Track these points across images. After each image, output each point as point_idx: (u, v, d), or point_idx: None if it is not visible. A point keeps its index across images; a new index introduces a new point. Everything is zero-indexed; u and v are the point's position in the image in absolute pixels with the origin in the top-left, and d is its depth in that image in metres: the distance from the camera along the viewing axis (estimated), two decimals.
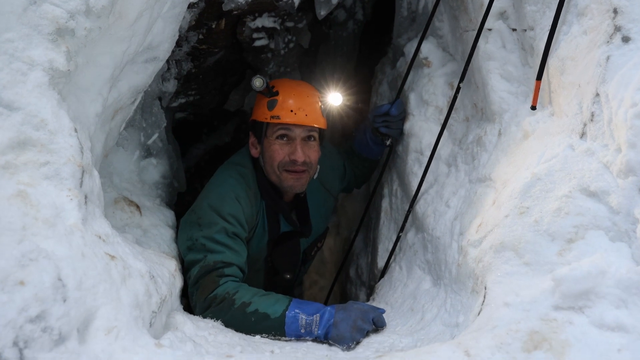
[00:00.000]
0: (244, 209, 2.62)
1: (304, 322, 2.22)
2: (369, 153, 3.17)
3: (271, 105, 2.68)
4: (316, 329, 2.21)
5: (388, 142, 3.07)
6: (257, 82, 2.64)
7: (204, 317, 2.32)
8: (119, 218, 2.42)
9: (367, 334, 2.22)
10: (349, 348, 2.14)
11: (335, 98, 2.87)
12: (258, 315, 2.25)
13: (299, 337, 2.25)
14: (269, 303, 2.28)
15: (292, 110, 2.66)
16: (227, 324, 2.29)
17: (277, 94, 2.69)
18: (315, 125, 2.71)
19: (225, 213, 2.53)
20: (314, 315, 2.22)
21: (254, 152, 2.79)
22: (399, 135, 3.02)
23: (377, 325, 2.25)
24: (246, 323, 2.26)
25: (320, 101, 2.76)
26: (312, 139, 2.74)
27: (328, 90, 2.86)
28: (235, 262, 2.46)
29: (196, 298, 2.38)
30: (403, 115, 2.98)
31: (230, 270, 2.42)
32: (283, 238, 2.89)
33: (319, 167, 2.85)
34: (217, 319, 2.30)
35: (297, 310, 2.24)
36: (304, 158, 2.69)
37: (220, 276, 2.39)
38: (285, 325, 2.22)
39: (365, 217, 3.55)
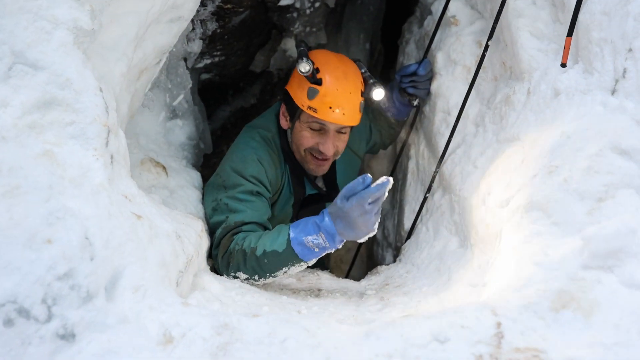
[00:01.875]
0: (267, 170, 2.60)
1: (312, 244, 2.19)
2: (395, 113, 3.12)
3: (311, 94, 2.58)
4: (327, 245, 2.19)
5: (415, 103, 3.02)
6: (303, 67, 2.52)
7: (229, 275, 2.34)
8: (146, 179, 2.43)
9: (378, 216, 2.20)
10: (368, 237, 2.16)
11: (378, 94, 2.77)
12: (268, 254, 2.24)
13: (319, 257, 2.24)
14: (272, 239, 2.26)
15: (330, 107, 2.57)
16: (251, 275, 2.30)
17: (320, 82, 2.57)
18: (352, 125, 2.67)
19: (247, 174, 2.52)
20: (319, 234, 2.18)
21: (284, 123, 2.75)
22: (426, 95, 2.97)
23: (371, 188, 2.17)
24: (264, 266, 2.26)
25: (362, 96, 2.68)
26: (344, 132, 2.70)
27: (372, 83, 2.76)
28: (256, 219, 2.45)
29: (218, 259, 2.39)
30: (430, 75, 2.92)
31: (247, 227, 2.42)
32: (309, 201, 2.88)
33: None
34: (240, 272, 2.31)
35: (301, 237, 2.20)
36: (333, 150, 2.66)
37: (236, 233, 2.39)
38: (299, 254, 2.21)
39: (392, 178, 3.51)
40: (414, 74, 2.88)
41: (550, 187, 1.74)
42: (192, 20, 2.91)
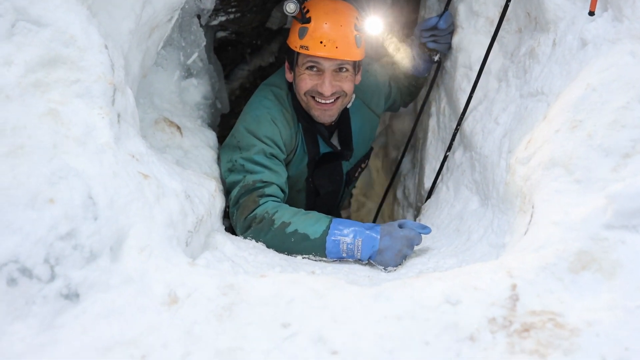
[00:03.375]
0: (281, 130, 2.58)
1: (345, 247, 2.20)
2: (415, 70, 3.04)
3: (302, 33, 2.52)
4: (358, 254, 2.20)
5: (436, 58, 2.93)
6: (290, 7, 2.45)
7: (245, 237, 2.33)
8: (160, 139, 2.41)
9: None
10: (390, 271, 2.14)
11: (373, 25, 2.64)
12: (297, 235, 2.24)
13: (340, 259, 2.24)
14: (309, 223, 2.27)
15: (321, 42, 2.47)
16: (268, 244, 2.29)
17: (309, 20, 2.50)
18: (347, 59, 2.53)
19: (261, 135, 2.50)
20: (356, 240, 2.19)
21: (289, 76, 2.70)
22: (447, 50, 2.87)
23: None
24: (286, 243, 2.26)
25: (357, 30, 2.56)
26: (345, 70, 2.57)
27: (366, 15, 2.65)
28: (275, 181, 2.45)
29: (236, 218, 2.38)
30: (452, 29, 2.82)
31: (270, 189, 2.41)
32: (324, 159, 2.85)
33: (354, 95, 2.74)
34: (258, 239, 2.30)
35: (338, 235, 2.22)
36: (332, 90, 2.56)
37: (261, 196, 2.38)
38: (326, 249, 2.22)
39: (413, 137, 3.46)
40: (435, 27, 2.79)
41: (573, 142, 1.67)
42: None
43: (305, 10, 2.53)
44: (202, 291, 1.38)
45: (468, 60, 2.69)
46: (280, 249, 2.28)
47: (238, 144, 2.51)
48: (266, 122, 2.55)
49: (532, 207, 1.69)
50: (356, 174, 3.13)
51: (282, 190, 2.49)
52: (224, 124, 3.45)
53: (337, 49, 2.48)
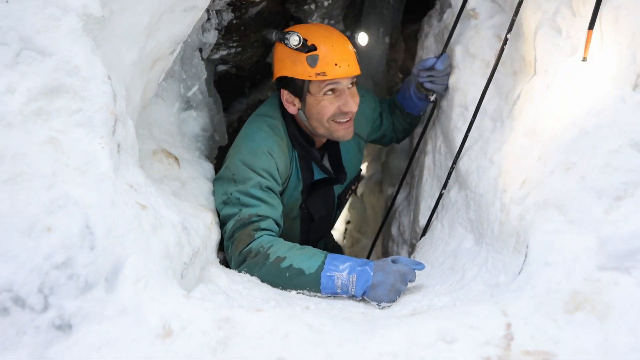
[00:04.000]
0: (277, 161, 2.58)
1: (339, 282, 2.19)
2: (411, 108, 3.08)
3: (312, 62, 2.53)
4: (353, 289, 2.19)
5: (432, 98, 2.97)
6: (294, 41, 2.52)
7: (239, 271, 2.32)
8: (157, 170, 2.41)
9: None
10: (384, 307, 2.13)
11: (362, 38, 2.85)
12: (292, 270, 2.23)
13: (335, 295, 2.23)
14: (304, 258, 2.26)
15: (336, 64, 2.53)
16: (262, 279, 2.28)
17: (315, 48, 2.54)
18: (357, 73, 2.62)
19: (258, 168, 2.51)
20: (351, 276, 2.18)
21: (292, 109, 2.70)
22: (444, 91, 2.92)
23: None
24: (281, 278, 2.25)
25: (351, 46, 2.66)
26: (353, 84, 2.65)
27: (351, 32, 2.77)
28: (270, 215, 2.45)
29: (231, 252, 2.37)
30: (448, 71, 2.87)
31: (265, 223, 2.41)
32: (317, 185, 2.87)
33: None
34: (252, 273, 2.29)
35: (333, 270, 2.21)
36: (356, 105, 2.64)
37: (256, 230, 2.37)
38: (321, 284, 2.20)
39: (408, 174, 3.48)
40: (432, 68, 2.84)
41: (567, 184, 1.69)
42: (208, 10, 2.89)
43: (304, 39, 2.57)
44: (197, 324, 1.37)
45: (464, 100, 2.73)
46: (274, 284, 2.26)
47: (233, 177, 2.51)
48: (262, 154, 2.55)
49: (527, 247, 1.70)
50: (347, 197, 3.16)
51: (277, 224, 2.49)
52: (221, 156, 3.46)
53: (349, 67, 2.56)
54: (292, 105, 2.70)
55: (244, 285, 2.06)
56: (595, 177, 1.61)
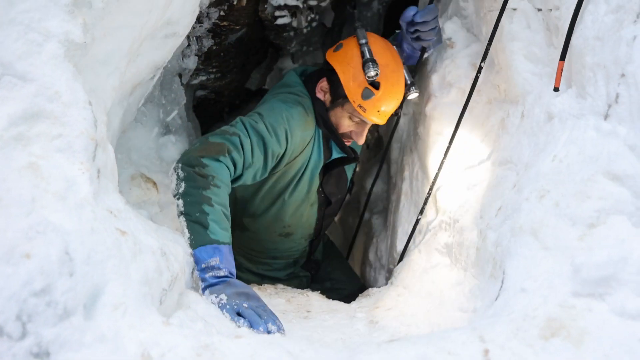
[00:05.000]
0: (292, 128, 2.56)
1: (201, 266, 2.06)
2: (406, 60, 2.97)
3: (366, 96, 2.58)
4: (202, 283, 2.07)
5: (428, 52, 2.94)
6: (370, 73, 2.52)
7: (175, 167, 2.24)
8: (136, 194, 2.41)
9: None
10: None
11: (412, 96, 2.83)
12: (202, 217, 2.10)
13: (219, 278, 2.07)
14: (217, 221, 2.11)
15: (379, 111, 2.62)
16: (182, 192, 2.15)
17: (378, 87, 2.58)
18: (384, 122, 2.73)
19: (267, 122, 2.48)
20: (204, 275, 2.05)
21: (321, 95, 2.74)
22: (436, 44, 2.87)
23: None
24: (190, 208, 2.12)
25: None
26: None
27: (410, 84, 2.77)
28: (245, 153, 2.36)
29: (194, 148, 2.28)
30: (435, 25, 2.73)
31: (236, 155, 2.31)
32: (331, 165, 2.89)
33: None
34: (179, 180, 2.18)
35: (209, 258, 2.05)
36: (362, 142, 2.79)
37: (227, 152, 2.27)
38: (198, 250, 2.08)
39: (385, 199, 3.51)
40: (413, 21, 2.73)
41: (542, 211, 1.72)
42: (188, 37, 2.91)
43: (376, 75, 2.57)
44: (176, 351, 1.36)
45: (440, 127, 2.77)
46: (184, 204, 2.13)
47: (241, 118, 2.47)
48: (278, 115, 2.53)
49: (503, 273, 1.72)
50: (353, 179, 3.22)
51: (244, 165, 2.38)
52: None
53: (385, 117, 2.68)
54: (323, 94, 2.74)
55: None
56: (569, 204, 1.64)
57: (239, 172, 2.36)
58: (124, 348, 1.34)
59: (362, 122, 2.69)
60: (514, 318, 1.50)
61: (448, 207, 2.50)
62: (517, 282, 1.62)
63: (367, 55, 2.55)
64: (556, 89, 1.98)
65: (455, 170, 2.57)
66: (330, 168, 2.88)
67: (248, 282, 2.73)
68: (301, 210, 2.93)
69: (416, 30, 2.75)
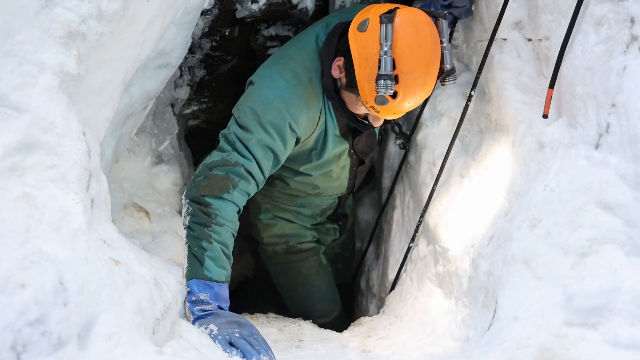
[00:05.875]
0: (294, 117, 2.36)
1: (194, 303, 2.11)
2: None
3: (380, 102, 2.22)
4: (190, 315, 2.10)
5: (462, 19, 2.71)
6: (382, 91, 2.15)
7: (183, 200, 2.29)
8: (128, 224, 2.41)
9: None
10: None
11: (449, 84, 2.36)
12: (199, 252, 2.14)
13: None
14: (214, 259, 2.15)
15: (395, 113, 2.32)
16: (187, 224, 2.22)
17: (395, 96, 2.21)
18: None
19: (265, 122, 2.30)
20: (192, 308, 2.09)
21: (336, 73, 2.38)
22: (468, 14, 2.61)
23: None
24: (191, 243, 2.18)
25: None
26: None
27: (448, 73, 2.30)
28: (255, 175, 2.29)
29: (197, 182, 2.27)
30: None
31: (244, 184, 2.26)
32: (357, 130, 2.67)
33: None
34: (186, 214, 2.23)
35: (197, 293, 2.10)
36: (379, 124, 2.49)
37: (232, 187, 2.23)
38: (189, 286, 2.13)
39: (377, 229, 3.52)
40: None
41: (534, 240, 1.74)
42: (180, 67, 2.94)
43: (395, 75, 2.18)
44: None
45: (432, 156, 2.80)
46: (185, 236, 2.21)
47: (239, 120, 2.34)
48: (275, 108, 2.33)
49: (496, 302, 1.74)
50: (379, 143, 3.01)
51: (258, 185, 2.33)
52: None
53: (397, 117, 2.39)
54: (339, 71, 2.38)
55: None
56: (561, 233, 1.67)
57: (254, 190, 2.34)
58: None
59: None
60: (507, 347, 1.51)
61: (440, 236, 2.51)
62: (509, 311, 1.63)
63: (383, 70, 2.15)
64: (545, 116, 2.02)
65: (447, 198, 2.59)
66: (356, 129, 2.64)
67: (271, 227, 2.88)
68: (331, 174, 2.78)
69: None
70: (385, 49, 2.15)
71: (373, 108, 2.28)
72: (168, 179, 2.89)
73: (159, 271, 1.97)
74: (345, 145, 2.68)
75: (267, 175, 2.37)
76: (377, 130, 2.85)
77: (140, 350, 1.45)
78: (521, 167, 2.11)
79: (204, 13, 2.80)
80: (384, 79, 2.13)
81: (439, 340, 2.16)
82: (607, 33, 1.81)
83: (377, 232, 3.61)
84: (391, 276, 2.97)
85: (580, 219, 1.65)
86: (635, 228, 1.57)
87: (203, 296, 2.09)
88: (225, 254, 2.19)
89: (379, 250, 3.58)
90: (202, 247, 2.16)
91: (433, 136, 2.82)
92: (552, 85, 2.01)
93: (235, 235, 2.28)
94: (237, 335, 1.97)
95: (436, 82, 2.28)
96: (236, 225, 2.28)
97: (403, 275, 2.85)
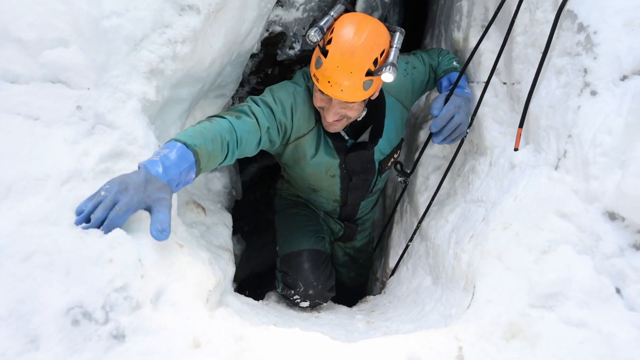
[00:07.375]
0: (297, 104, 2.21)
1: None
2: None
3: (317, 63, 2.03)
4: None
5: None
6: (312, 38, 1.99)
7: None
8: (189, 217, 2.45)
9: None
10: None
11: (386, 77, 2.01)
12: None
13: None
14: (187, 130, 1.77)
15: (329, 82, 2.01)
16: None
17: (326, 54, 1.99)
18: (351, 101, 2.08)
19: (276, 95, 2.16)
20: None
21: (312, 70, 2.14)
22: (464, 134, 2.39)
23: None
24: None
25: (370, 74, 2.02)
26: (352, 103, 2.13)
27: (386, 64, 2.00)
28: (257, 115, 2.05)
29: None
30: (455, 124, 2.32)
31: (246, 117, 2.01)
32: (356, 147, 2.45)
33: (366, 109, 2.29)
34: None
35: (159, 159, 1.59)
36: (335, 118, 2.17)
37: (237, 118, 1.97)
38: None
39: (387, 228, 3.53)
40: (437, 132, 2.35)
41: (505, 239, 1.74)
42: (232, 97, 2.99)
43: (329, 39, 2.01)
44: (219, 339, 1.39)
45: (426, 171, 2.80)
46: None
47: (252, 96, 2.19)
48: (286, 91, 2.20)
49: (474, 287, 1.74)
50: (389, 164, 2.65)
51: (257, 125, 2.05)
52: (236, 207, 3.50)
53: (342, 92, 2.03)
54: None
55: (254, 310, 2.07)
56: (527, 235, 1.67)
57: (252, 127, 2.02)
58: (179, 334, 1.37)
59: (328, 96, 2.11)
60: (482, 323, 1.51)
61: (431, 235, 2.51)
62: (485, 295, 1.63)
63: (322, 22, 2.02)
64: (516, 149, 2.02)
65: (437, 205, 2.59)
66: (354, 149, 2.44)
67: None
68: (321, 177, 2.54)
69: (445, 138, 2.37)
70: (332, 12, 2.06)
71: (314, 76, 2.05)
72: (220, 182, 2.93)
73: (212, 254, 2.01)
74: (337, 159, 2.43)
75: (263, 123, 2.05)
76: (376, 159, 2.55)
77: (197, 314, 1.47)
78: (496, 182, 2.11)
79: (252, 56, 2.85)
80: (318, 27, 2.00)
81: (428, 316, 2.15)
82: (565, 80, 1.81)
83: (382, 230, 3.61)
84: (391, 265, 2.97)
85: (542, 224, 1.65)
86: (585, 232, 1.57)
87: (164, 151, 1.63)
88: (200, 132, 1.77)
89: (383, 244, 3.58)
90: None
91: (426, 156, 2.83)
92: (521, 125, 2.00)
93: (224, 136, 1.86)
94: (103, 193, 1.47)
95: (367, 73, 2.01)
96: (228, 134, 1.89)
97: (401, 264, 2.85)
